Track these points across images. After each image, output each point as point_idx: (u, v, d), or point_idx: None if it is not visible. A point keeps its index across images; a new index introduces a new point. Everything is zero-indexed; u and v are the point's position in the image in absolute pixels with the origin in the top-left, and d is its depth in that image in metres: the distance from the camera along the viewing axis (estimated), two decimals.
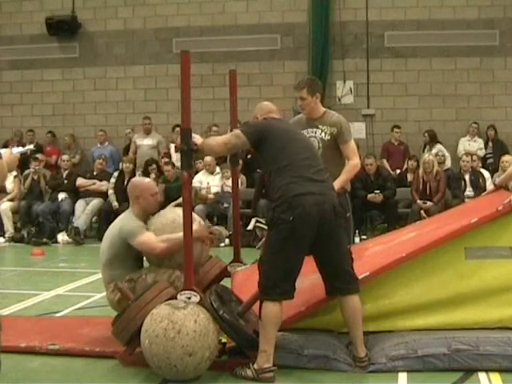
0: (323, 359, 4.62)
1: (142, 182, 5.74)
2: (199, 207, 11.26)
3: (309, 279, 4.77)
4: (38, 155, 12.97)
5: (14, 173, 11.97)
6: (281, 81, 13.75)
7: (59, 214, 12.26)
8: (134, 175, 11.82)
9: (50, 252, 10.76)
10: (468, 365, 4.54)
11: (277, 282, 4.40)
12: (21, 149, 5.19)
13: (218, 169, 12.14)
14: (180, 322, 4.36)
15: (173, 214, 5.21)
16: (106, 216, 11.65)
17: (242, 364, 4.53)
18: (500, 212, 4.85)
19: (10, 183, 12.37)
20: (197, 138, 4.65)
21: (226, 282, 5.44)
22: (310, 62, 13.60)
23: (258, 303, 4.51)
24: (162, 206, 6.08)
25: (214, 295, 4.59)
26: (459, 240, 4.87)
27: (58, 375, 4.63)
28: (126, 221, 5.20)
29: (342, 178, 5.62)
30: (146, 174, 11.95)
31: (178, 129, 12.19)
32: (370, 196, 11.29)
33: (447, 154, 12.73)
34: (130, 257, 5.15)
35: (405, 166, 12.57)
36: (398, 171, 12.61)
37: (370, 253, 5.77)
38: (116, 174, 12.41)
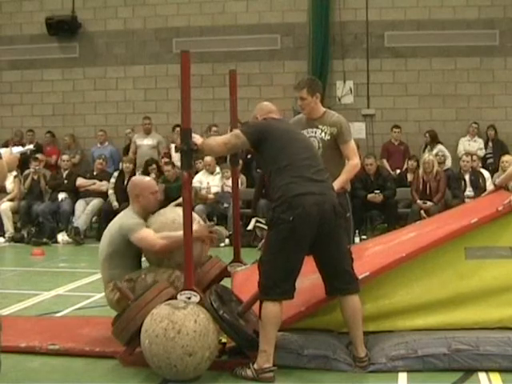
0: (323, 359, 4.62)
1: (142, 180, 5.74)
2: (199, 207, 11.25)
3: (309, 279, 4.77)
4: (38, 155, 12.96)
5: (14, 173, 11.97)
6: (281, 81, 13.74)
7: (59, 214, 12.26)
8: (133, 175, 11.79)
9: (49, 252, 10.76)
10: (468, 365, 4.54)
11: (277, 282, 4.40)
12: (21, 149, 5.17)
13: (218, 169, 12.13)
14: (180, 322, 4.36)
15: (173, 213, 5.20)
16: (105, 216, 11.61)
17: (242, 364, 4.53)
18: (500, 212, 4.85)
19: (10, 183, 12.37)
20: (197, 138, 4.65)
21: (226, 282, 5.44)
22: (310, 61, 13.58)
23: (258, 303, 4.51)
24: (162, 205, 6.07)
25: (214, 295, 4.59)
26: (459, 240, 4.87)
27: (58, 375, 4.63)
28: (125, 218, 5.20)
29: (342, 177, 5.63)
30: (145, 173, 11.91)
31: (178, 129, 12.18)
32: (369, 196, 11.28)
33: (448, 154, 12.72)
34: (129, 255, 5.14)
35: (405, 166, 12.56)
36: (398, 171, 12.60)
37: (370, 253, 5.77)
38: (116, 174, 12.41)
